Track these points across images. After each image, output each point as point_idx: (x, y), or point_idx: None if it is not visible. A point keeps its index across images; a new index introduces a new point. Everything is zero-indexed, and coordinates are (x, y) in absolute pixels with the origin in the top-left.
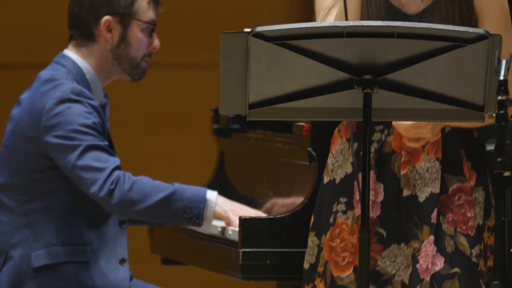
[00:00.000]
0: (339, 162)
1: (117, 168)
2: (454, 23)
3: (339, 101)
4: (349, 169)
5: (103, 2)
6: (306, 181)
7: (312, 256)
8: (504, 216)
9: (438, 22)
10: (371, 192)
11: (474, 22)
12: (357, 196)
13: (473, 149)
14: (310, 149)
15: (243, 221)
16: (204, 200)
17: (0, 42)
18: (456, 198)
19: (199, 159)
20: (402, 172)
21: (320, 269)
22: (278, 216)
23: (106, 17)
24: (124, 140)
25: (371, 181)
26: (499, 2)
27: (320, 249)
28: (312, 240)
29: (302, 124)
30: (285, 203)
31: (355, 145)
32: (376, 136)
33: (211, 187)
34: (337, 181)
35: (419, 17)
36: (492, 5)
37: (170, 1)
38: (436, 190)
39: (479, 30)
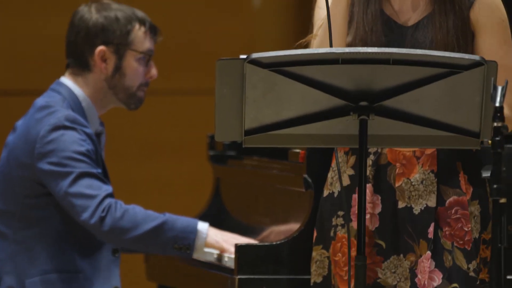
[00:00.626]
0: (333, 175)
1: (109, 195)
2: (448, 35)
3: (335, 128)
4: (345, 181)
5: (99, 31)
6: (302, 208)
7: (324, 269)
8: (500, 243)
9: (432, 34)
10: (369, 205)
11: (470, 35)
12: (355, 209)
13: (470, 162)
14: (306, 175)
15: (239, 248)
16: (195, 231)
17: None
18: (453, 211)
19: (195, 185)
20: (397, 184)
21: (332, 281)
22: (274, 243)
23: (101, 47)
24: (120, 166)
25: (369, 193)
26: (496, 14)
27: (330, 260)
28: (319, 253)
29: (298, 150)
30: (281, 230)
31: (353, 158)
32: (373, 148)
33: (207, 214)
34: (335, 195)
35: (414, 29)
36: (489, 17)
37: (164, 27)
38: (433, 203)
39: (475, 57)
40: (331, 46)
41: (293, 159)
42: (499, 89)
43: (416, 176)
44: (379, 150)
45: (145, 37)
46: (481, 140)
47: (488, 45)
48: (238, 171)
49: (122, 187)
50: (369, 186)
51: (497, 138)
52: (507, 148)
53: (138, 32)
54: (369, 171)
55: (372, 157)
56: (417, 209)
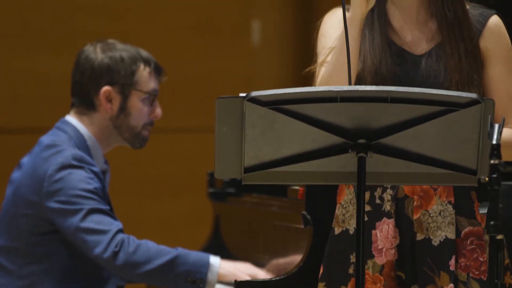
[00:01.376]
0: (350, 212)
1: (121, 231)
2: (460, 62)
3: (334, 165)
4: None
5: (104, 72)
6: (301, 245)
7: None
8: (497, 279)
9: (445, 61)
10: (393, 240)
11: (480, 62)
12: (378, 245)
13: (484, 191)
14: (305, 212)
15: (238, 284)
16: (207, 265)
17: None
18: (468, 242)
19: (194, 222)
20: (415, 217)
21: None
22: (273, 279)
23: (106, 88)
24: (122, 203)
25: (392, 228)
26: (504, 42)
27: None
28: None
29: (297, 188)
30: (281, 266)
31: (367, 194)
32: None
33: (207, 250)
34: (351, 231)
35: (426, 57)
36: (497, 45)
37: (165, 66)
38: (452, 235)
39: (472, 95)
40: (349, 72)
41: (292, 196)
42: (496, 127)
43: (434, 207)
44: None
45: (150, 77)
46: (478, 178)
47: (498, 73)
48: (237, 208)
49: (125, 223)
50: (391, 221)
51: (494, 176)
52: (504, 185)
53: (143, 73)
54: (389, 206)
55: (390, 191)
56: (436, 241)
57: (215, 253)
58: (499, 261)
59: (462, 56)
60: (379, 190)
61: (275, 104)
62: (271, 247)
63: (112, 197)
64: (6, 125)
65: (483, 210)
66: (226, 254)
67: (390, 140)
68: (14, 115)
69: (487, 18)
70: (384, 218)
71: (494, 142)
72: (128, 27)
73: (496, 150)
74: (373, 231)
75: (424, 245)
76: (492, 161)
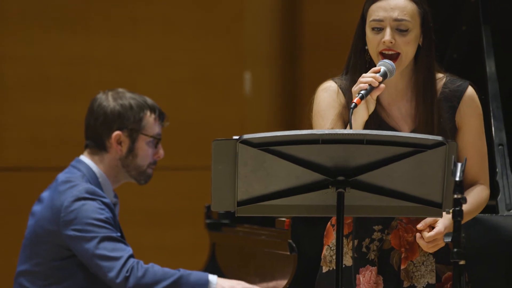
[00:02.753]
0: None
1: (131, 256)
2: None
3: (316, 199)
4: (348, 262)
5: (116, 118)
6: (287, 269)
7: None
8: None
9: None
10: (374, 285)
11: (455, 129)
12: (360, 287)
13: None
14: (290, 241)
15: None
16: (206, 283)
17: (20, 148)
18: (448, 285)
19: (193, 249)
20: (403, 267)
21: None
22: None
23: (117, 132)
24: (129, 232)
25: (374, 275)
26: (477, 112)
27: None
28: None
29: (283, 219)
30: (270, 287)
31: (356, 241)
32: (377, 235)
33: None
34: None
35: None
36: (471, 116)
37: (167, 112)
38: (433, 281)
39: (438, 138)
40: None
41: (279, 226)
42: (459, 165)
43: (418, 258)
44: (384, 237)
45: (154, 123)
46: (443, 210)
47: (472, 139)
48: (231, 237)
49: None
50: (374, 269)
51: (457, 209)
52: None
53: (149, 119)
54: (374, 255)
55: (377, 243)
56: (420, 287)
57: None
58: (461, 283)
59: (435, 131)
60: (367, 240)
61: (265, 145)
62: (260, 271)
63: (121, 227)
64: (28, 164)
65: (447, 239)
66: (221, 277)
67: (365, 177)
68: (35, 155)
69: (462, 93)
70: (368, 265)
71: (457, 179)
72: (134, 79)
73: (459, 186)
74: (357, 275)
75: None
76: (455, 196)
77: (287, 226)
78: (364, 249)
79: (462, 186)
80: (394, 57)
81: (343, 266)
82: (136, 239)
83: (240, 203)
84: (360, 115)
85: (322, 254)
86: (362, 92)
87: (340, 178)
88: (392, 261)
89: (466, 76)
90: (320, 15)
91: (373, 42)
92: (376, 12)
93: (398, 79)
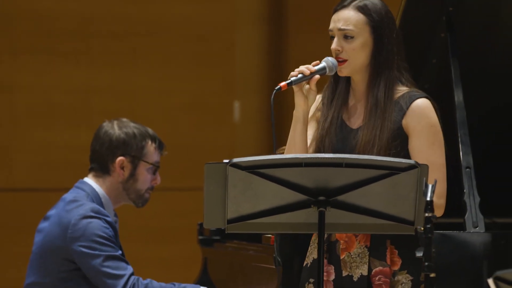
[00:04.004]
0: (311, 249)
1: (132, 274)
2: (381, 135)
3: (299, 217)
4: (315, 255)
5: (120, 144)
6: (273, 281)
7: None
8: None
9: (361, 136)
10: (325, 274)
11: (403, 137)
12: (324, 277)
13: (401, 240)
14: (276, 255)
15: None
16: None
17: (28, 170)
18: (377, 278)
19: (187, 264)
20: (342, 257)
21: None
22: None
23: (120, 158)
24: (129, 249)
25: (325, 264)
26: (425, 120)
27: None
28: None
29: (269, 235)
30: None
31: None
32: None
33: None
34: (308, 265)
35: (356, 131)
36: (417, 123)
37: (164, 139)
38: (365, 272)
39: (410, 161)
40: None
41: (266, 242)
42: (430, 186)
43: (355, 250)
44: None
45: (154, 152)
46: (415, 227)
47: (418, 145)
48: (222, 252)
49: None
50: (325, 261)
51: (428, 226)
52: (436, 234)
53: (150, 148)
54: (325, 247)
55: (325, 235)
56: (355, 277)
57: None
58: None
59: (371, 131)
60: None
61: (252, 168)
62: (248, 283)
63: (122, 244)
64: (35, 185)
65: (419, 254)
66: None
67: (344, 197)
68: (42, 177)
69: (412, 101)
70: None
71: (428, 199)
72: (133, 106)
73: (429, 205)
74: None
75: (348, 279)
76: (426, 214)
77: (273, 241)
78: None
79: (433, 205)
80: (341, 63)
81: (313, 259)
82: (136, 254)
83: (230, 221)
84: (300, 105)
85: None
86: (292, 79)
87: (321, 198)
88: (338, 252)
89: (436, 105)
90: (303, 48)
91: (331, 50)
92: (330, 25)
93: (361, 84)
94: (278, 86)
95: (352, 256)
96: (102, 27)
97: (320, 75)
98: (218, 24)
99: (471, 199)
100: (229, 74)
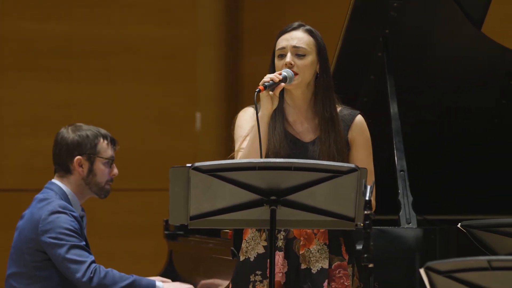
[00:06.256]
0: (251, 246)
1: (94, 262)
2: (329, 149)
3: (253, 215)
4: (260, 250)
5: (76, 146)
6: (230, 270)
7: None
8: None
9: (322, 148)
10: (281, 267)
11: (348, 147)
12: (278, 269)
13: (348, 238)
14: (233, 248)
15: None
16: (154, 285)
17: (15, 174)
18: (337, 272)
19: (154, 256)
20: (301, 252)
21: None
22: None
23: (77, 157)
24: (100, 242)
25: (281, 259)
26: (365, 134)
27: None
28: None
29: (227, 230)
30: (215, 286)
31: (265, 234)
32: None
33: (164, 274)
34: (251, 259)
35: (312, 144)
36: (360, 136)
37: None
38: (326, 266)
39: (351, 165)
40: (261, 155)
41: (224, 237)
42: (368, 187)
43: (314, 246)
44: (289, 229)
45: (108, 148)
46: (356, 223)
47: (360, 155)
48: (185, 245)
49: (102, 257)
50: (281, 254)
51: (367, 222)
52: (374, 229)
53: (103, 144)
54: (281, 243)
55: (283, 233)
56: (314, 270)
57: (169, 276)
58: (370, 283)
59: (331, 145)
60: (276, 231)
61: (212, 171)
62: (208, 272)
63: (94, 238)
64: (21, 187)
65: (359, 246)
66: (176, 277)
67: (293, 197)
68: (27, 180)
69: (354, 117)
70: (277, 251)
71: (366, 198)
72: (108, 118)
73: (368, 204)
74: (267, 260)
75: (306, 272)
76: (365, 212)
77: (230, 236)
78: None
79: (371, 204)
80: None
81: (257, 254)
82: (108, 247)
83: (192, 218)
84: (266, 107)
85: (241, 247)
86: (266, 83)
87: (273, 197)
88: (295, 248)
89: (374, 116)
90: (255, 67)
91: (278, 66)
92: (280, 43)
93: (301, 101)
94: (258, 89)
95: (312, 252)
96: (80, 48)
97: (283, 83)
98: (182, 45)
99: (405, 199)
100: (191, 89)
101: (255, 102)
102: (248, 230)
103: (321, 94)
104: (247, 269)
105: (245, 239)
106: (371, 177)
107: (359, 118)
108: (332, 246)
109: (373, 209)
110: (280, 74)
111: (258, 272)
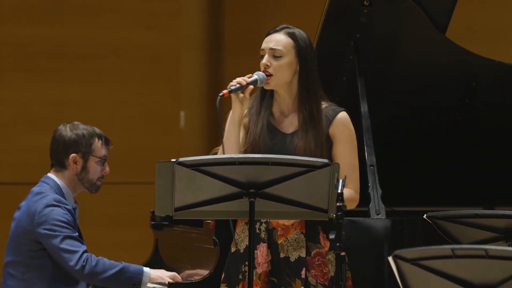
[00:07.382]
0: (241, 238)
1: (86, 251)
2: (307, 142)
3: (233, 206)
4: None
5: (72, 144)
6: (212, 259)
7: None
8: (341, 281)
9: (299, 143)
10: (266, 257)
11: (329, 143)
12: (258, 260)
13: (327, 226)
14: (214, 237)
15: (171, 285)
16: (142, 273)
17: (13, 169)
18: (316, 259)
19: (141, 244)
20: (279, 241)
21: None
22: (194, 281)
23: (73, 154)
24: (90, 232)
25: (265, 249)
26: (347, 129)
27: None
28: None
29: (209, 221)
30: (198, 273)
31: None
32: (264, 219)
33: (150, 262)
34: (241, 251)
35: (291, 136)
36: (342, 132)
37: (122, 143)
38: (303, 254)
39: (324, 160)
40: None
41: (206, 227)
42: (340, 181)
43: (291, 236)
44: (268, 220)
45: (101, 147)
46: (329, 214)
47: (342, 151)
48: (170, 235)
49: (93, 246)
50: (265, 245)
51: (339, 213)
52: (346, 220)
53: (98, 144)
54: (264, 235)
55: (264, 225)
56: (292, 258)
57: (156, 264)
58: (342, 270)
59: (309, 139)
60: (258, 223)
61: (195, 166)
62: (192, 260)
63: (84, 228)
64: (19, 180)
65: (332, 236)
66: (162, 265)
67: (271, 190)
68: (24, 174)
69: (336, 113)
70: (261, 243)
71: (339, 191)
72: (98, 116)
73: (340, 197)
74: (255, 251)
75: (284, 261)
76: (337, 204)
77: (212, 226)
78: (257, 231)
79: (343, 197)
80: (268, 77)
81: (245, 245)
82: (98, 237)
83: (177, 209)
84: (236, 110)
85: (233, 238)
86: (232, 87)
87: (252, 190)
88: (275, 238)
89: None
90: (236, 68)
91: (260, 66)
92: (262, 45)
93: (287, 98)
94: (222, 93)
95: (289, 241)
96: (72, 51)
97: (253, 85)
98: (167, 49)
99: (374, 191)
100: (175, 89)
101: (217, 107)
102: (239, 223)
103: (301, 92)
104: (238, 260)
105: (236, 231)
106: (354, 171)
107: (342, 114)
108: (309, 235)
109: (357, 203)
110: (250, 77)
111: (247, 263)
